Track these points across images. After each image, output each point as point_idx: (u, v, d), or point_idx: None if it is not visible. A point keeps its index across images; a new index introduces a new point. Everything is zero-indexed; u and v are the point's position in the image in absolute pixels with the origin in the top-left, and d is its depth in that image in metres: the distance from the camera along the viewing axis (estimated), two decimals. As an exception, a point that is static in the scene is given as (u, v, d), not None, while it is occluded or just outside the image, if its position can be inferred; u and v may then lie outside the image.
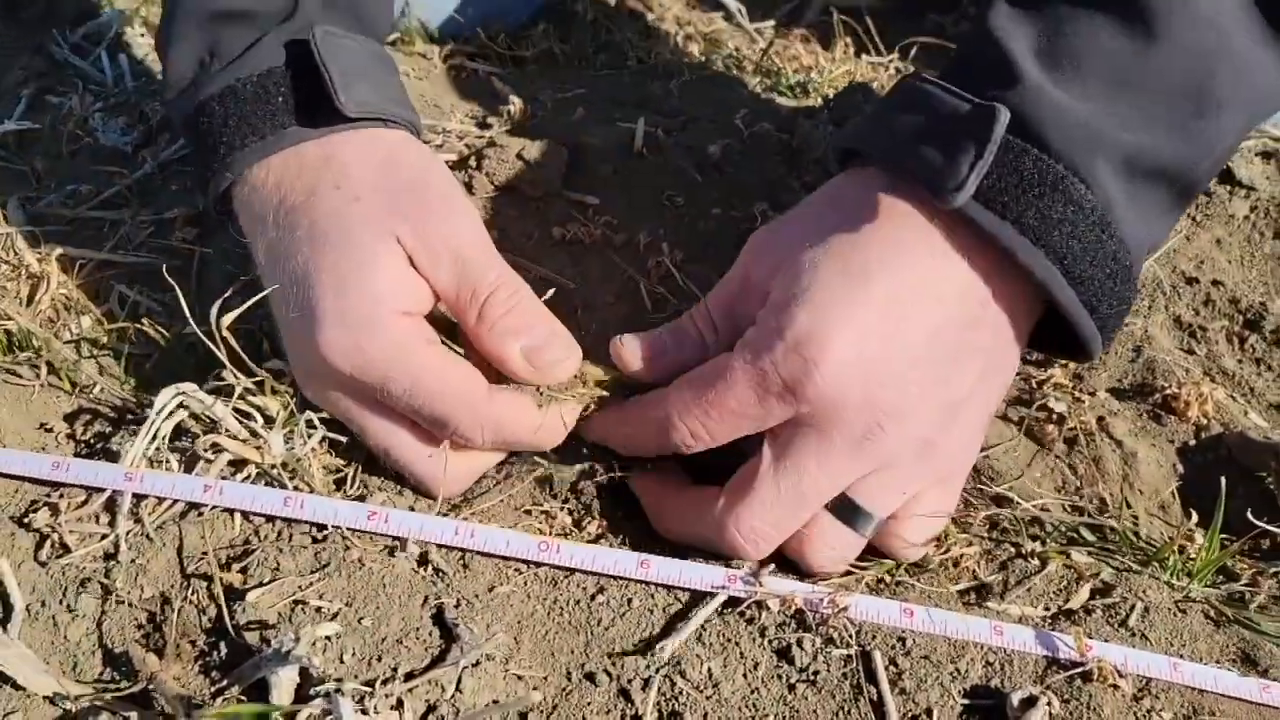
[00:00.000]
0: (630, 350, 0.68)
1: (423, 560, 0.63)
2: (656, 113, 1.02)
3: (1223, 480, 0.69)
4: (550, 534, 0.68)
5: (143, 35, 1.19)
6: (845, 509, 0.64)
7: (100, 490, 0.66)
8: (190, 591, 0.61)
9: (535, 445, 0.68)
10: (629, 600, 0.63)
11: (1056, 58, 0.63)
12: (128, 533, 0.64)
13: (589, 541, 0.68)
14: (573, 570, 0.64)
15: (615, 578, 0.64)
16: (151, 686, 0.58)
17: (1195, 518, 0.73)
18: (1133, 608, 0.65)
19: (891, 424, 0.61)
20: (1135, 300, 0.70)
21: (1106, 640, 0.62)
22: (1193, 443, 0.79)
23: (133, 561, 0.63)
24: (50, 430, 0.73)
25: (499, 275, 0.67)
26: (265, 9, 0.72)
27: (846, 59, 1.17)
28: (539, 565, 0.64)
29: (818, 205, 0.68)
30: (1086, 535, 0.71)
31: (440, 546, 0.64)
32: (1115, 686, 0.59)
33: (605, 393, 0.69)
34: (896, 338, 0.61)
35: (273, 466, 0.68)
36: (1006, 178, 0.60)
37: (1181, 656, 0.62)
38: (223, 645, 0.59)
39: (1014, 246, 0.60)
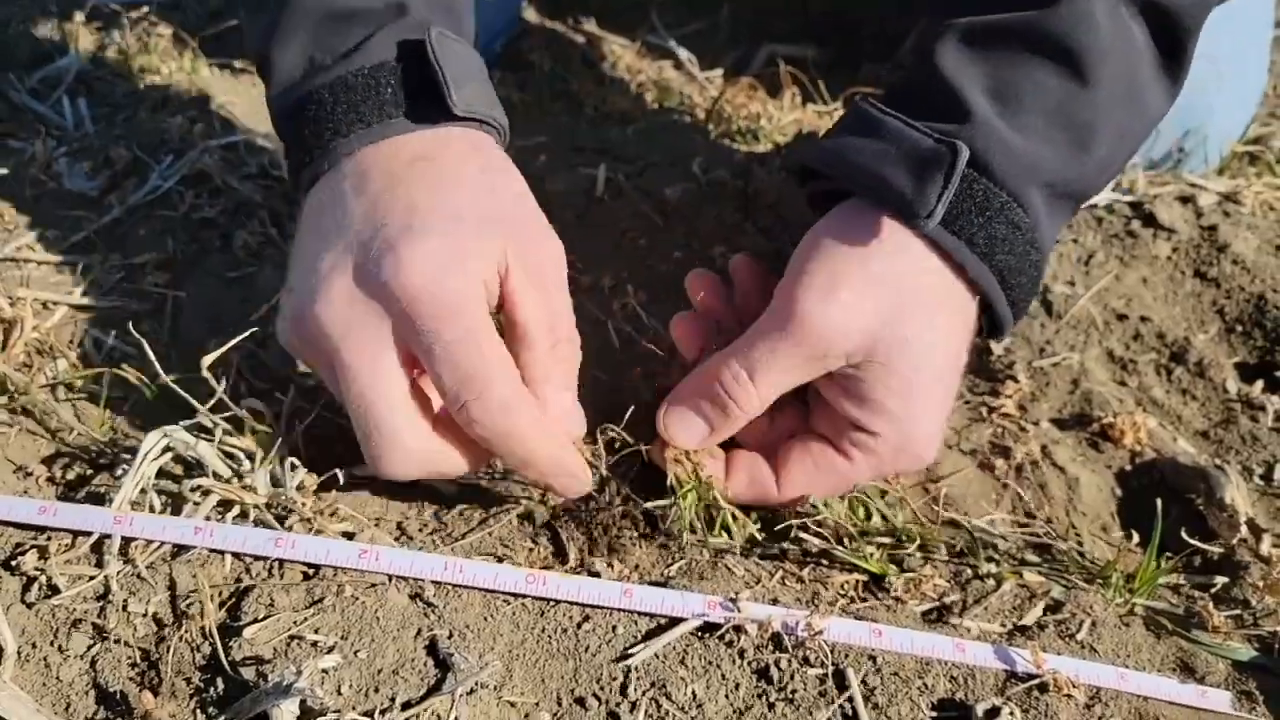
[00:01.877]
0: (676, 435, 0.74)
1: (414, 594, 0.65)
2: (615, 159, 1.06)
3: (1158, 502, 0.75)
4: (534, 567, 0.71)
5: (100, 80, 1.19)
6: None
7: (88, 533, 0.67)
8: (184, 630, 0.62)
9: (528, 451, 0.68)
10: (614, 628, 0.65)
11: (1004, 95, 0.70)
12: (118, 573, 0.65)
13: (571, 572, 0.70)
14: (559, 601, 0.67)
15: (600, 607, 0.66)
16: (147, 724, 0.59)
17: (1135, 537, 0.78)
18: (1081, 623, 0.69)
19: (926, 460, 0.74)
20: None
21: (1059, 653, 0.66)
22: (1129, 468, 0.84)
23: (125, 601, 0.63)
24: (30, 474, 0.73)
25: (573, 324, 0.73)
26: (375, 7, 0.74)
27: (794, 107, 1.22)
28: (526, 597, 0.67)
29: (851, 262, 0.70)
30: (1036, 556, 0.76)
31: (431, 582, 0.66)
32: (1070, 696, 0.63)
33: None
34: (948, 405, 0.74)
35: (258, 506, 0.69)
36: (964, 203, 0.69)
37: (1127, 666, 0.67)
38: (219, 681, 0.60)
39: (968, 264, 0.70)
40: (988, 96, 0.70)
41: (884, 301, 0.69)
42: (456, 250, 0.66)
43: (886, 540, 0.74)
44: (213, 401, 0.71)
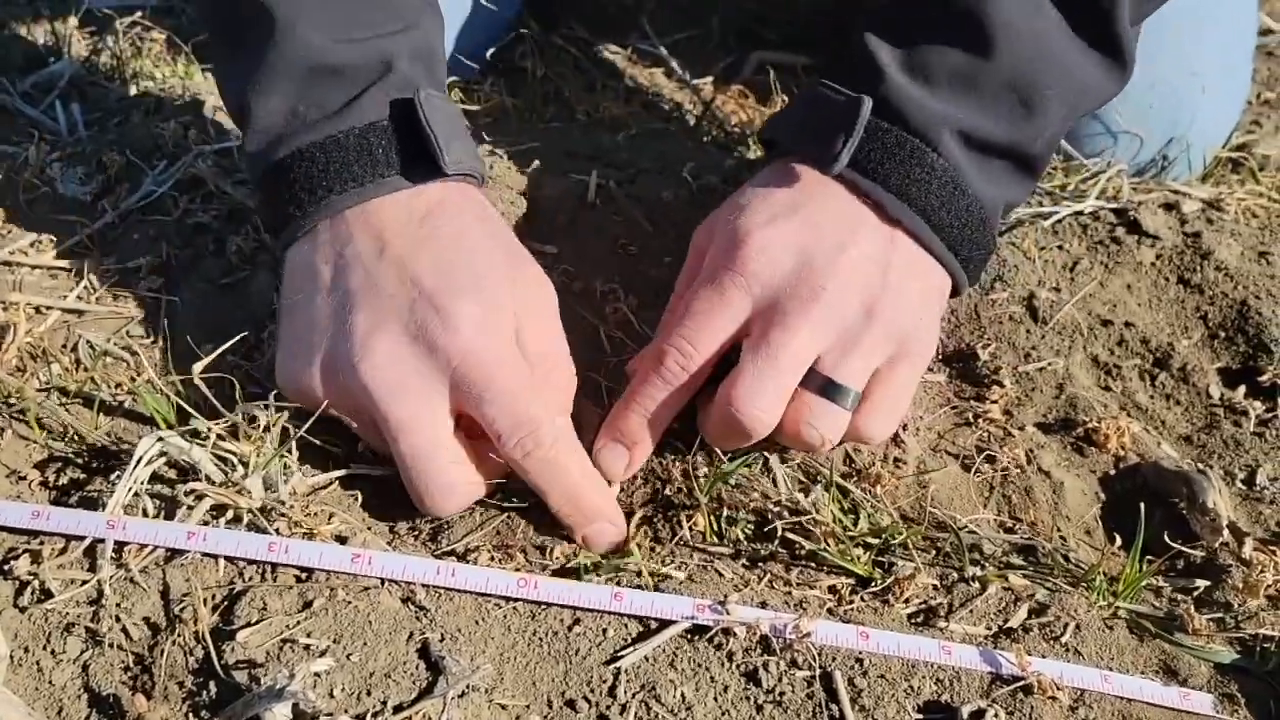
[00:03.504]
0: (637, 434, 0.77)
1: (406, 598, 0.66)
2: (607, 165, 1.07)
3: (1141, 506, 0.76)
4: (522, 568, 0.71)
5: (93, 85, 1.20)
6: (823, 386, 0.74)
7: (81, 538, 0.67)
8: (176, 634, 0.63)
9: (572, 482, 0.73)
10: (604, 630, 0.66)
11: (913, 70, 0.78)
12: (111, 578, 0.65)
13: (560, 571, 0.71)
14: (549, 604, 0.67)
15: (590, 610, 0.67)
16: (140, 728, 0.59)
17: (1118, 541, 0.79)
18: (1066, 626, 0.70)
19: (831, 285, 0.74)
20: (995, 248, 0.87)
21: (1044, 656, 0.67)
22: (1112, 472, 0.85)
23: (118, 605, 0.64)
24: (23, 479, 0.74)
25: (564, 351, 0.79)
26: (362, 64, 0.76)
27: (784, 114, 1.23)
28: (518, 600, 0.67)
29: (740, 190, 0.82)
30: (1021, 560, 0.76)
31: (424, 586, 0.67)
32: (1054, 698, 0.64)
33: None
34: (817, 233, 0.76)
35: (251, 511, 0.70)
36: (875, 150, 0.77)
37: (1111, 669, 0.68)
38: (212, 685, 0.61)
39: (883, 201, 0.76)
40: (900, 69, 0.78)
41: (737, 200, 0.80)
42: (491, 306, 0.73)
43: (874, 542, 0.75)
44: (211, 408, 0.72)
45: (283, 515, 0.70)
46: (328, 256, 0.75)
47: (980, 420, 0.87)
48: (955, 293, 0.82)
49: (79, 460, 0.76)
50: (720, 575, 0.72)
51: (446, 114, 0.78)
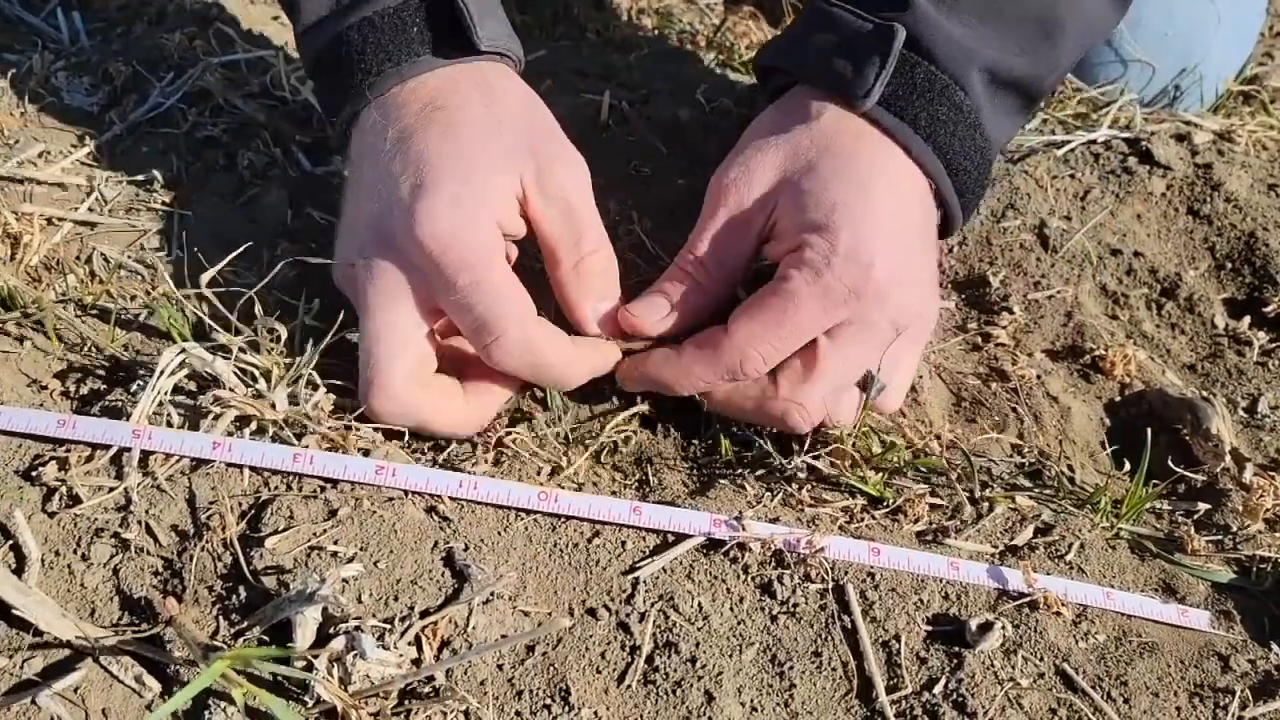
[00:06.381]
0: (641, 316, 0.75)
1: (430, 509, 0.67)
2: (619, 85, 1.06)
3: (1147, 431, 0.77)
4: (543, 480, 0.73)
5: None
6: (866, 382, 0.74)
7: (106, 446, 0.68)
8: (205, 540, 0.64)
9: (561, 376, 0.73)
10: (623, 543, 0.68)
11: None
12: (138, 485, 0.66)
13: (577, 486, 0.72)
14: (569, 517, 0.69)
15: (609, 523, 0.69)
16: (170, 630, 0.60)
17: (1126, 465, 0.81)
18: (1070, 545, 0.72)
19: (912, 304, 0.73)
20: (987, 189, 0.85)
21: (1049, 573, 0.69)
22: (1118, 398, 0.87)
23: (146, 512, 0.65)
24: (44, 388, 0.74)
25: (600, 234, 0.74)
26: None
27: (796, 37, 1.21)
28: (538, 513, 0.68)
29: (770, 134, 0.77)
30: (1028, 482, 0.78)
31: (447, 498, 0.68)
32: (1058, 613, 0.66)
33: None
34: (904, 237, 0.73)
35: (276, 423, 0.71)
36: (903, 86, 0.74)
37: (1113, 586, 0.70)
38: (241, 590, 0.62)
39: (910, 143, 0.74)
40: None
41: (796, 152, 0.74)
42: (466, 200, 0.69)
43: (888, 463, 0.76)
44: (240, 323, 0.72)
45: (306, 428, 0.70)
46: (360, 150, 0.75)
47: (990, 346, 0.88)
48: (943, 234, 0.80)
49: (98, 372, 0.76)
50: (736, 492, 0.73)
51: None
